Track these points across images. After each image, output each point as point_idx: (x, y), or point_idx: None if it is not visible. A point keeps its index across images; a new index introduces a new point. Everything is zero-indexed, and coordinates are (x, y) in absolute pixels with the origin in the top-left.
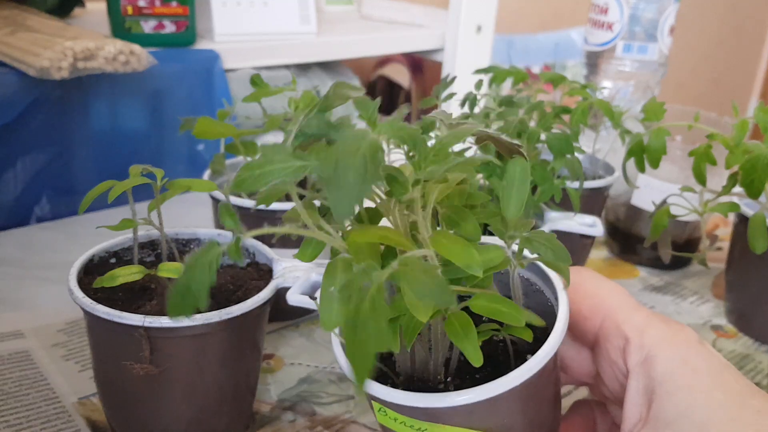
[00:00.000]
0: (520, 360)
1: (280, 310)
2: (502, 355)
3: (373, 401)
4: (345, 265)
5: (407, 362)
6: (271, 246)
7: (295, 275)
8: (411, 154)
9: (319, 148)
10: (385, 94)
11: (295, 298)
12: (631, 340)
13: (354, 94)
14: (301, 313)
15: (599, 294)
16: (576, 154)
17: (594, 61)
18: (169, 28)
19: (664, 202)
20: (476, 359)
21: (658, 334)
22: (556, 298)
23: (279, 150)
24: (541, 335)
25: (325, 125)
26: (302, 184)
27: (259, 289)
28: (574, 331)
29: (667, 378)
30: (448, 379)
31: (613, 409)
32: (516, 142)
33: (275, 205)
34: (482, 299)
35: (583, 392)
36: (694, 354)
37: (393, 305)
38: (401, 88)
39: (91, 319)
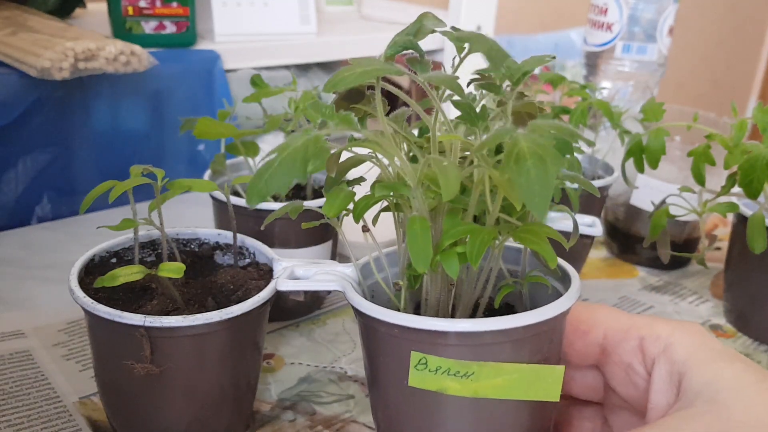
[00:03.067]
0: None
1: (280, 310)
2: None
3: (413, 352)
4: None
5: (434, 309)
6: (271, 246)
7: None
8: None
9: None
10: (384, 95)
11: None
12: (646, 336)
13: (439, 28)
14: (302, 313)
15: (591, 309)
16: (575, 154)
17: (593, 61)
18: (170, 28)
19: (663, 202)
20: (552, 259)
21: (669, 327)
22: (562, 282)
23: (371, 60)
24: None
25: (413, 42)
26: (302, 187)
27: (259, 289)
28: (575, 348)
29: (689, 356)
30: None
31: (620, 415)
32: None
33: (272, 206)
34: (534, 225)
35: None
36: (708, 338)
37: (454, 229)
38: (401, 88)
39: (92, 318)
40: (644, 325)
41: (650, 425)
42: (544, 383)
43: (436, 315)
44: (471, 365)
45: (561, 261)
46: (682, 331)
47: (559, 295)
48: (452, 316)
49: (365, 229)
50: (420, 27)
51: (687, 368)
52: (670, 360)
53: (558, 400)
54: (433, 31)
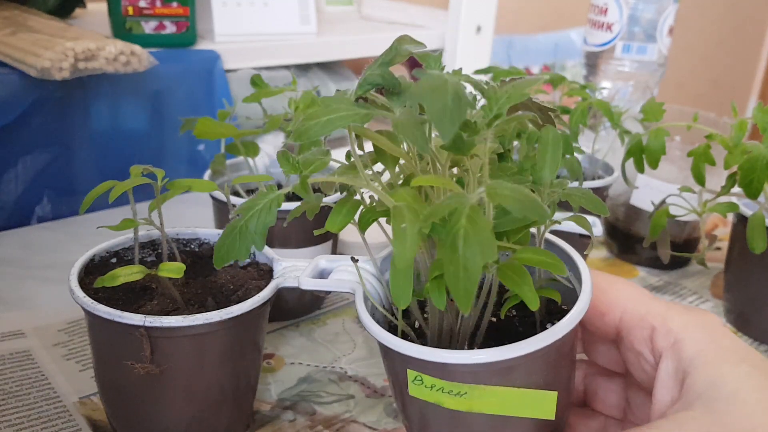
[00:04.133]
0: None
1: (280, 310)
2: (513, 336)
3: (409, 370)
4: (410, 208)
5: (435, 335)
6: (271, 246)
7: (295, 275)
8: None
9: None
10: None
11: (309, 282)
12: (658, 327)
13: (416, 50)
14: (302, 312)
15: (612, 289)
16: (575, 154)
17: (593, 61)
18: (170, 28)
19: (663, 202)
20: (534, 302)
21: (682, 319)
22: (576, 278)
23: (341, 100)
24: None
25: (388, 76)
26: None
27: (259, 289)
28: (594, 327)
29: (696, 356)
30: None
31: (637, 394)
32: (550, 107)
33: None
34: (527, 252)
35: None
36: (720, 335)
37: (438, 263)
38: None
39: (92, 318)
40: (658, 315)
41: (645, 426)
42: (537, 405)
43: (440, 329)
44: (463, 386)
45: (580, 262)
46: (694, 326)
47: (574, 294)
48: (459, 328)
49: (354, 259)
50: (396, 54)
51: (692, 367)
52: (677, 356)
53: (554, 419)
54: (411, 53)
